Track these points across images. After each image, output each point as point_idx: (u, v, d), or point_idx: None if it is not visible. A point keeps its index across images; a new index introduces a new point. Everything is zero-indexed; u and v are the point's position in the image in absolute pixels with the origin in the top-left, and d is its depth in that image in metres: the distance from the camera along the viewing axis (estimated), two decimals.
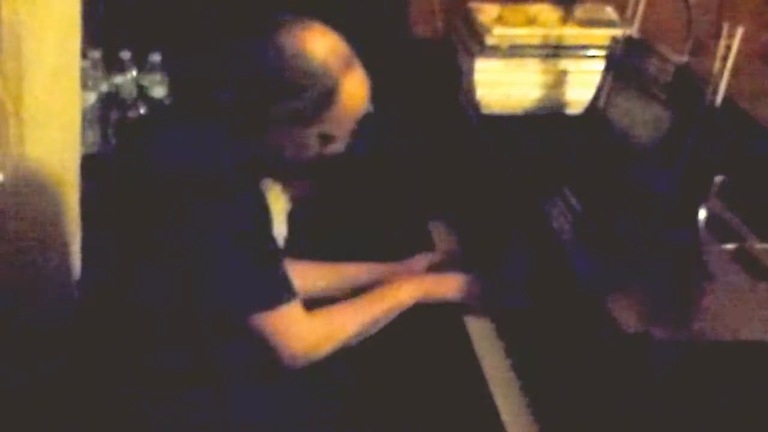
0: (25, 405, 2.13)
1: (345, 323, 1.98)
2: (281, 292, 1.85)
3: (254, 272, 1.82)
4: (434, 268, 2.23)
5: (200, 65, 2.17)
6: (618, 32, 2.26)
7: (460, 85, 2.54)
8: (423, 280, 2.13)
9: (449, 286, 2.13)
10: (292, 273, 1.89)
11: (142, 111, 2.68)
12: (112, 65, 2.71)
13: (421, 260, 2.27)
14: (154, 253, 1.81)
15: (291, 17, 1.84)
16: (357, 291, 2.11)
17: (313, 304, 1.99)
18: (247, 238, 1.80)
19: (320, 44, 1.82)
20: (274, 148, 1.86)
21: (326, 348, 1.93)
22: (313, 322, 1.91)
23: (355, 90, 1.85)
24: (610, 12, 2.55)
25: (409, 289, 2.08)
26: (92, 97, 2.66)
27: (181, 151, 1.83)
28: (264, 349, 1.84)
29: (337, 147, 1.90)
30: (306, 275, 2.13)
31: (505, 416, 1.86)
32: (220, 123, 1.84)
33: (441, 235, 2.45)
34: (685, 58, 1.99)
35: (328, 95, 1.82)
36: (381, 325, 2.03)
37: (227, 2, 2.66)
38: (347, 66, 1.84)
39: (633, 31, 2.21)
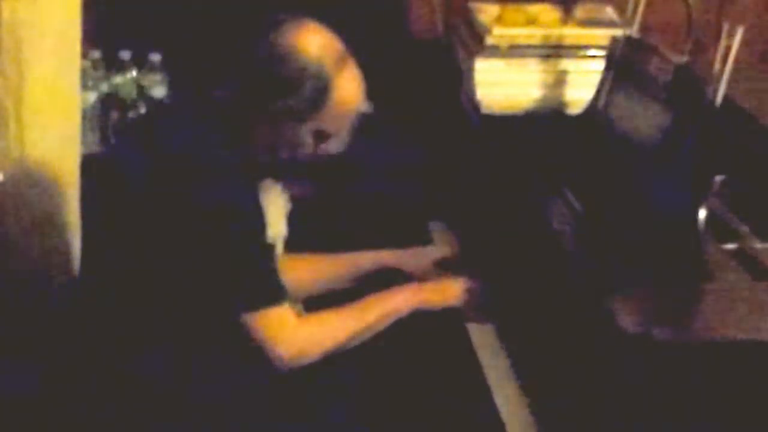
0: (24, 405, 2.12)
1: (336, 329, 1.96)
2: (270, 294, 1.84)
3: (244, 273, 1.82)
4: (434, 269, 2.23)
5: (199, 65, 2.17)
6: (618, 32, 2.26)
7: (460, 85, 2.54)
8: (420, 288, 2.11)
9: (447, 294, 2.10)
10: (297, 266, 1.88)
11: (142, 111, 2.68)
12: (112, 65, 2.70)
13: (428, 253, 2.26)
14: (152, 252, 1.81)
15: (286, 16, 1.85)
16: (362, 279, 2.11)
17: (314, 299, 1.98)
18: (238, 238, 1.80)
19: (313, 41, 1.83)
20: (270, 146, 1.87)
21: (315, 353, 1.91)
22: (303, 327, 1.90)
23: (348, 87, 1.86)
24: (610, 12, 2.55)
25: (406, 296, 2.05)
26: (92, 97, 2.65)
27: (178, 152, 1.83)
28: (254, 351, 1.84)
29: (336, 146, 1.91)
30: (310, 267, 2.14)
31: (505, 416, 1.86)
32: (218, 122, 1.84)
33: (441, 235, 2.44)
34: (685, 58, 1.99)
35: (321, 92, 1.82)
36: (375, 331, 2.01)
37: (228, 2, 2.66)
38: (341, 63, 1.85)
39: (633, 31, 2.21)
